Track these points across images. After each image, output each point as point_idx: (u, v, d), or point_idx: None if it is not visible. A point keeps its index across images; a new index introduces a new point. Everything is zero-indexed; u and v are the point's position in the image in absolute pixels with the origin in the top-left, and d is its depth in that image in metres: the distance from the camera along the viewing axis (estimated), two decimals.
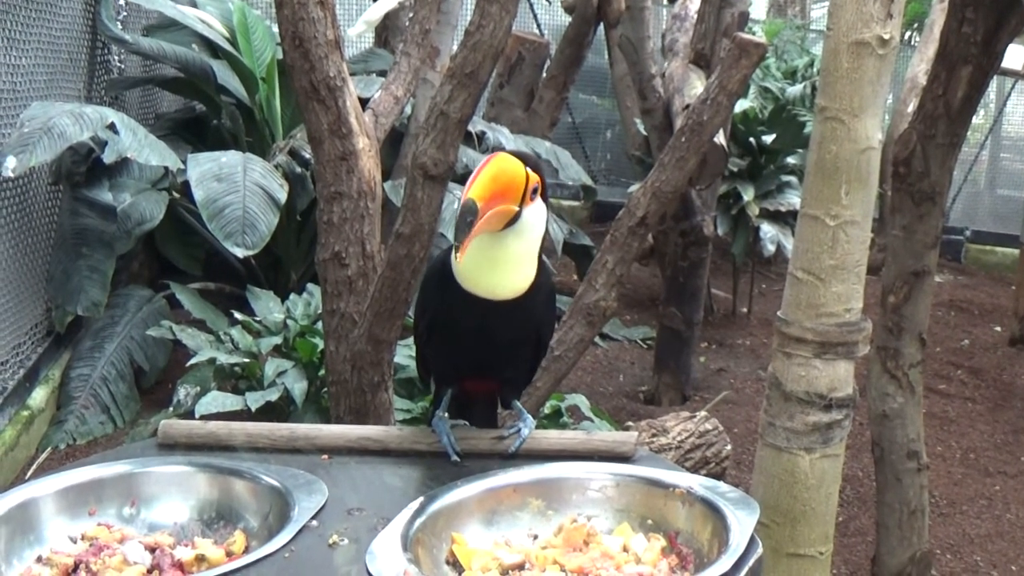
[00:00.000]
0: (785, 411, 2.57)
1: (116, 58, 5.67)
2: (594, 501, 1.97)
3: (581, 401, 4.11)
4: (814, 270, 2.50)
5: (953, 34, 3.22)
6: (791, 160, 6.49)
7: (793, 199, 6.24)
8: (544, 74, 6.92)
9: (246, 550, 1.83)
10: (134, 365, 4.79)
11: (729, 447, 3.95)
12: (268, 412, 3.78)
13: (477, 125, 5.64)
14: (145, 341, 4.80)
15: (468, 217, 1.89)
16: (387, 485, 2.03)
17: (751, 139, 6.44)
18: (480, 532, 1.90)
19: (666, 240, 5.57)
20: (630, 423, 4.17)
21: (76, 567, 1.77)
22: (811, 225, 2.51)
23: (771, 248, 6.23)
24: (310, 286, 4.53)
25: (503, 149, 2.10)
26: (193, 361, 4.08)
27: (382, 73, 5.48)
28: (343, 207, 2.85)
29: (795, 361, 2.54)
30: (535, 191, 2.01)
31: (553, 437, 2.18)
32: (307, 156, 5.10)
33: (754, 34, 5.92)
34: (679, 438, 3.78)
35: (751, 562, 1.72)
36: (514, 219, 1.99)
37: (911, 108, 6.12)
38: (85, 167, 4.91)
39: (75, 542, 1.86)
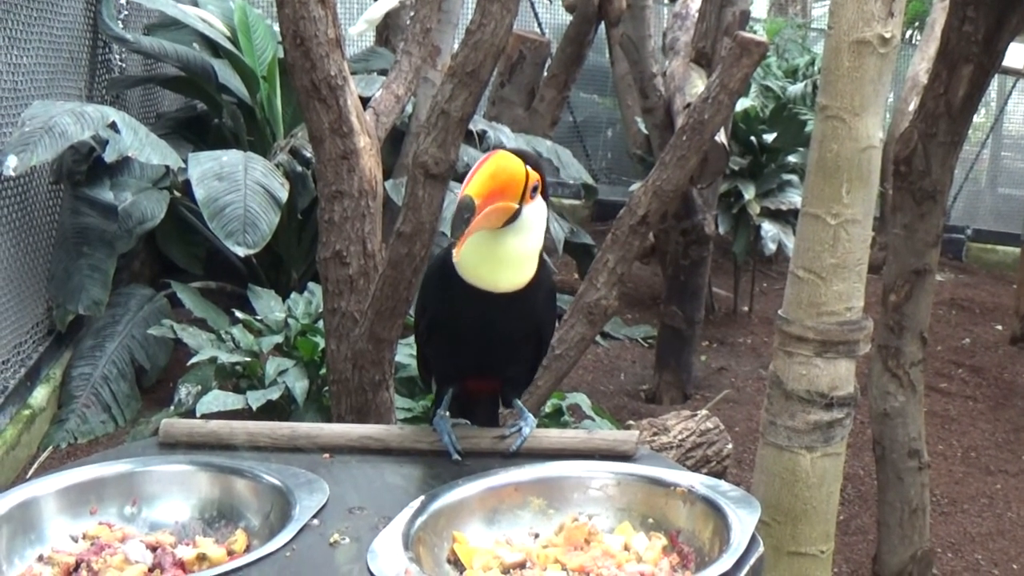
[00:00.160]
0: (786, 410, 2.57)
1: (117, 57, 5.67)
2: (595, 500, 1.97)
3: (582, 400, 4.11)
4: (815, 269, 2.50)
5: (954, 33, 3.22)
6: (792, 159, 6.49)
7: (794, 198, 6.24)
8: (545, 73, 6.92)
9: (247, 549, 1.83)
10: (135, 364, 4.79)
11: (730, 446, 3.95)
12: (269, 411, 3.78)
13: (478, 124, 5.64)
14: (146, 340, 4.80)
15: (465, 213, 1.89)
16: (388, 484, 2.03)
17: (752, 138, 6.43)
18: (481, 531, 1.89)
19: (667, 239, 5.57)
20: (631, 422, 4.17)
21: (77, 566, 1.77)
22: (812, 224, 2.51)
23: (772, 247, 6.23)
24: (311, 285, 4.53)
25: (504, 148, 2.10)
26: (194, 360, 4.08)
27: (383, 72, 5.48)
28: (344, 206, 2.85)
29: (796, 360, 2.54)
30: (535, 189, 2.01)
31: (554, 436, 2.18)
32: (308, 155, 5.10)
33: (755, 33, 5.92)
34: (680, 437, 3.78)
35: (752, 561, 1.72)
36: (514, 217, 1.99)
37: (912, 107, 6.11)
38: (86, 166, 4.91)
39: (76, 541, 1.86)
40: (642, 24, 5.36)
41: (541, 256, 2.09)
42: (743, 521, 1.80)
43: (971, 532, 4.45)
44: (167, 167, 4.86)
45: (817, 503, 2.58)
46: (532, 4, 9.09)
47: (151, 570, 1.77)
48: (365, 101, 3.03)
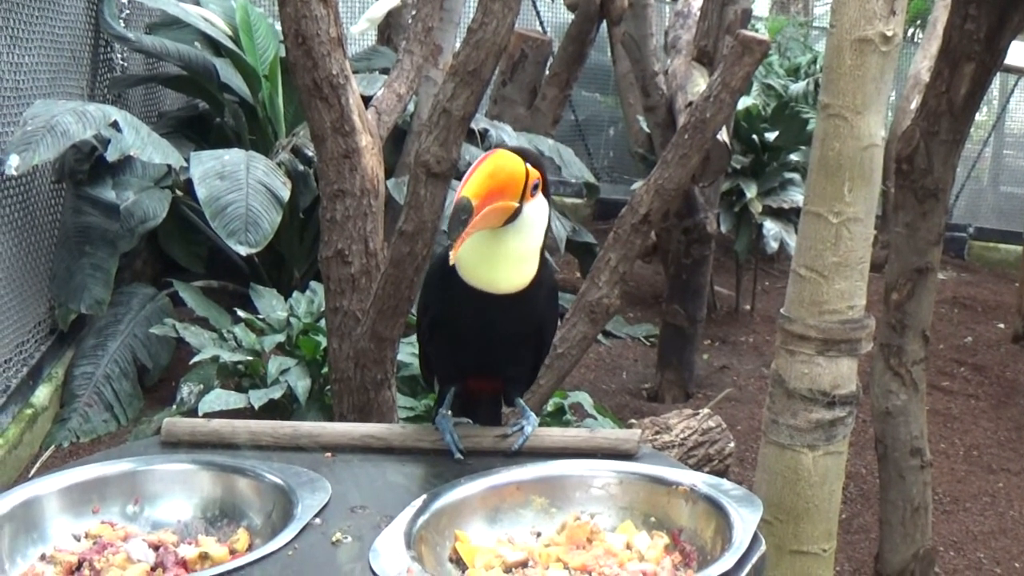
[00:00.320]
0: (788, 408, 2.57)
1: (119, 56, 5.67)
2: (597, 499, 1.97)
3: (584, 399, 4.11)
4: (817, 267, 2.50)
5: (956, 31, 3.21)
6: (794, 157, 6.48)
7: (796, 196, 6.24)
8: (547, 72, 6.91)
9: (249, 548, 1.84)
10: (137, 363, 4.79)
11: (732, 444, 3.95)
12: (271, 410, 3.79)
13: (480, 123, 5.63)
14: (148, 339, 4.80)
15: (462, 215, 1.88)
16: (390, 483, 2.03)
17: (754, 136, 6.43)
18: (483, 530, 1.90)
19: (669, 237, 5.57)
20: (633, 420, 4.17)
21: (80, 565, 1.77)
22: (814, 222, 2.51)
23: (774, 245, 6.23)
24: (313, 284, 4.53)
25: (505, 146, 2.09)
26: (196, 359, 4.08)
27: (385, 71, 5.49)
28: (346, 205, 2.85)
29: (798, 358, 2.54)
30: (536, 187, 2.01)
31: (556, 435, 2.18)
32: (310, 154, 5.10)
33: (757, 31, 5.92)
34: (682, 435, 3.78)
35: (754, 559, 1.72)
36: (514, 215, 1.98)
37: (914, 105, 6.10)
38: (88, 165, 4.91)
39: (79, 540, 1.87)
40: (644, 22, 5.36)
41: (543, 255, 2.08)
42: (745, 520, 1.80)
43: (973, 530, 4.45)
44: (169, 166, 4.87)
45: (819, 502, 2.58)
46: (534, 3, 9.09)
47: (153, 569, 1.77)
48: (367, 100, 3.03)
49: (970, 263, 9.47)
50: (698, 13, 5.41)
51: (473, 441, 2.15)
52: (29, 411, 4.29)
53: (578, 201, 8.91)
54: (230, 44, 5.66)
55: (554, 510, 1.95)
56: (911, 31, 10.83)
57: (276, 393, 3.86)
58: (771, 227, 6.23)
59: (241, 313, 4.36)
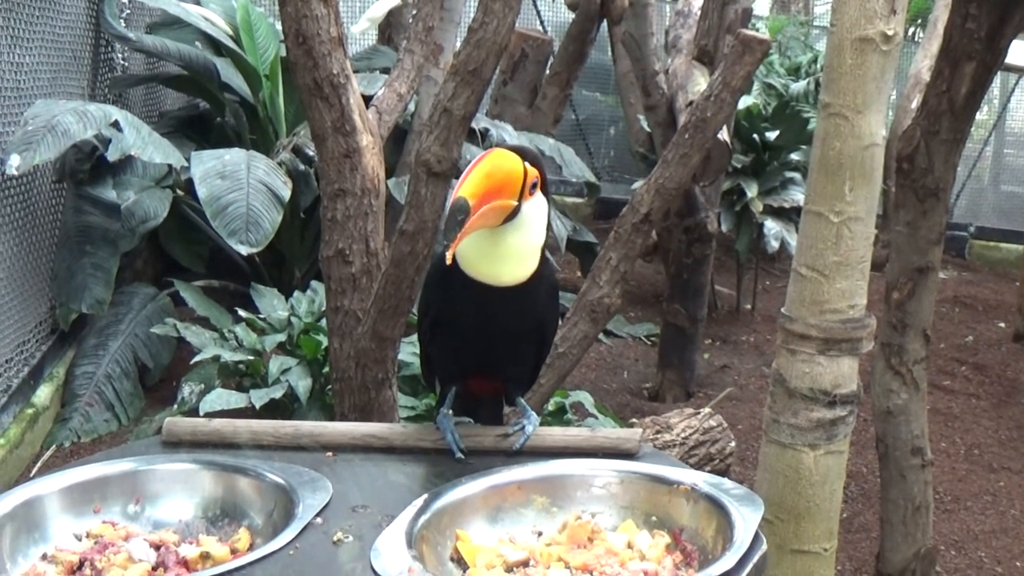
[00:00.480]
0: (789, 407, 2.56)
1: (120, 56, 5.67)
2: (598, 498, 1.98)
3: (585, 398, 4.10)
4: (818, 266, 2.50)
5: (957, 30, 3.21)
6: (795, 156, 6.48)
7: (797, 195, 6.23)
8: (547, 71, 6.92)
9: (250, 547, 1.84)
10: (138, 363, 4.79)
11: (733, 444, 3.95)
12: (272, 409, 3.79)
13: (481, 122, 5.63)
14: (149, 339, 4.80)
15: (458, 216, 1.88)
16: (391, 482, 2.03)
17: (755, 135, 6.43)
18: (484, 529, 1.90)
19: (670, 237, 5.57)
20: (634, 420, 4.17)
21: (81, 564, 1.77)
22: (815, 221, 2.51)
23: (775, 244, 6.22)
24: (314, 283, 4.53)
25: (503, 145, 2.10)
26: (197, 359, 4.08)
27: (386, 70, 5.48)
28: (347, 204, 2.85)
29: (799, 357, 2.54)
30: (534, 185, 2.01)
31: (557, 434, 2.19)
32: (311, 153, 5.10)
33: (757, 30, 5.91)
34: (683, 435, 3.78)
35: (755, 559, 1.72)
36: (513, 213, 1.99)
37: (915, 104, 6.10)
38: (89, 165, 4.91)
39: (80, 540, 1.87)
40: (644, 22, 5.36)
41: (543, 253, 2.09)
42: (746, 519, 1.80)
43: (974, 530, 4.45)
44: (170, 166, 4.87)
45: (820, 501, 2.58)
46: (534, 2, 9.09)
47: (154, 568, 1.77)
48: (368, 99, 3.03)
49: (971, 262, 9.47)
50: (699, 12, 5.41)
51: (474, 440, 2.15)
52: (30, 411, 4.30)
53: (579, 200, 8.91)
54: (231, 44, 5.66)
55: (555, 509, 1.95)
56: (912, 30, 10.82)
57: (277, 393, 3.86)
58: (772, 226, 6.23)
59: (242, 313, 4.36)
